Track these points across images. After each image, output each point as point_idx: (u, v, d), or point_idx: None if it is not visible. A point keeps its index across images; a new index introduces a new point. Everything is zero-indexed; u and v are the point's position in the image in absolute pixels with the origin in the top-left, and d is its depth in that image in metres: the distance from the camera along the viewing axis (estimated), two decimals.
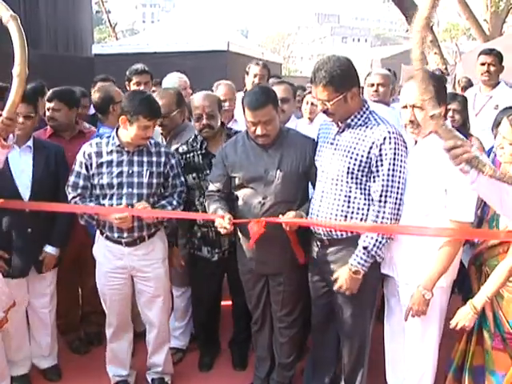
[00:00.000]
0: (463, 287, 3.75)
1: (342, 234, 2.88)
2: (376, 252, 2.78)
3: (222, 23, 14.60)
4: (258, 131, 2.99)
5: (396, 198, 2.75)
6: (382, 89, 4.39)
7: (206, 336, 3.92)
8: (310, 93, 4.68)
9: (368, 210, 2.83)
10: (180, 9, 15.46)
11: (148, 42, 12.21)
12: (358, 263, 2.80)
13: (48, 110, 3.85)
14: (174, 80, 4.92)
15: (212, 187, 3.24)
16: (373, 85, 4.42)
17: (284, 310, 3.30)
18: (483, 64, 5.18)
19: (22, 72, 2.45)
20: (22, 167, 3.32)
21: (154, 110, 3.15)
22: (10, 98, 2.51)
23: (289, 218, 2.91)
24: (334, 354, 3.31)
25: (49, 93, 3.92)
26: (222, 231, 2.95)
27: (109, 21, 26.19)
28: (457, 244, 2.70)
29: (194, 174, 3.49)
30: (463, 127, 4.06)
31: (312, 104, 4.64)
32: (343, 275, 2.85)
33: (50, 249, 3.47)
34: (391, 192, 2.74)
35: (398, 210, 2.77)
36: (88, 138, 3.81)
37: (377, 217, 2.77)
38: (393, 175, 2.73)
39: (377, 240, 2.77)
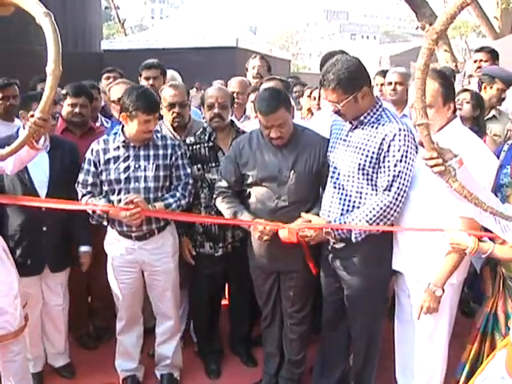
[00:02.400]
0: (473, 286, 3.74)
1: (356, 238, 2.85)
2: (356, 236, 2.82)
3: (230, 20, 14.63)
4: (272, 134, 2.99)
5: (398, 194, 2.74)
6: (400, 87, 4.32)
7: (208, 343, 3.88)
8: (316, 88, 4.70)
9: None
10: (189, 5, 15.48)
11: (157, 38, 12.26)
12: (333, 230, 2.84)
13: (73, 105, 3.82)
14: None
15: (222, 183, 3.24)
16: (390, 83, 4.35)
17: (295, 306, 3.29)
18: (476, 61, 5.33)
19: (56, 69, 2.34)
20: (39, 164, 3.30)
21: (152, 104, 3.15)
22: (44, 97, 2.39)
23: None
24: (344, 352, 3.31)
25: (70, 88, 3.86)
26: (260, 238, 3.01)
27: (118, 17, 26.25)
28: None
29: (199, 166, 3.49)
30: (476, 124, 4.00)
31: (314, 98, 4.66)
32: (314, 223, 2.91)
33: (84, 248, 3.52)
34: (395, 187, 2.73)
35: (398, 206, 2.75)
36: (97, 134, 3.81)
37: (375, 202, 2.76)
38: (400, 171, 2.72)
39: (364, 231, 2.80)
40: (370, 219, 2.76)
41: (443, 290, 2.69)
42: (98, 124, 4.34)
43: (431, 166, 2.01)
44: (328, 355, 3.34)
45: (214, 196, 3.30)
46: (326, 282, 3.16)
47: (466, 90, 4.20)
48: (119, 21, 26.26)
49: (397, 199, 2.74)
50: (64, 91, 3.86)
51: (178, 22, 13.68)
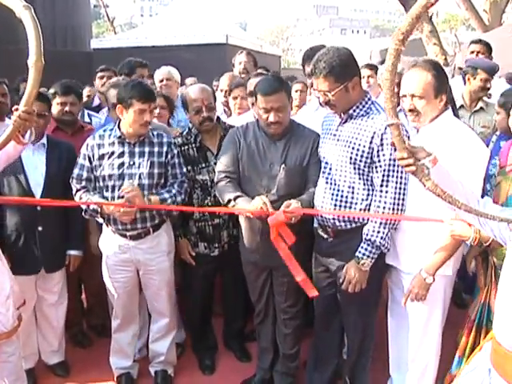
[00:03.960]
0: (465, 276, 3.76)
1: (346, 225, 2.87)
2: (380, 242, 2.76)
3: (220, 16, 14.58)
4: (271, 118, 2.96)
5: (397, 188, 2.73)
6: None
7: (201, 339, 3.89)
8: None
9: (371, 200, 2.82)
10: (178, 2, 15.40)
11: (146, 35, 12.20)
12: (364, 254, 2.79)
13: (62, 104, 3.81)
14: (161, 71, 5.08)
15: (223, 167, 3.16)
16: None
17: (288, 301, 3.29)
18: (472, 52, 5.30)
19: (38, 62, 2.32)
20: (36, 164, 3.33)
21: (147, 93, 3.15)
22: (27, 90, 2.38)
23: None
24: (337, 347, 3.32)
25: (59, 87, 3.85)
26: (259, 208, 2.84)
27: (107, 15, 26.19)
28: None
29: (189, 167, 3.45)
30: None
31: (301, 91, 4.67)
32: (351, 269, 2.83)
33: (73, 252, 3.54)
34: (391, 181, 2.73)
35: (401, 199, 2.75)
36: (87, 132, 3.81)
37: (378, 206, 2.76)
38: (394, 164, 2.70)
39: (379, 231, 2.75)
40: (385, 223, 2.75)
41: (434, 279, 2.69)
42: (79, 118, 4.32)
43: (403, 166, 2.03)
44: (321, 351, 3.34)
45: (216, 180, 3.19)
46: (319, 277, 3.15)
47: None
48: (108, 19, 26.21)
49: (397, 193, 2.73)
50: (53, 90, 3.84)
51: (168, 20, 13.61)
